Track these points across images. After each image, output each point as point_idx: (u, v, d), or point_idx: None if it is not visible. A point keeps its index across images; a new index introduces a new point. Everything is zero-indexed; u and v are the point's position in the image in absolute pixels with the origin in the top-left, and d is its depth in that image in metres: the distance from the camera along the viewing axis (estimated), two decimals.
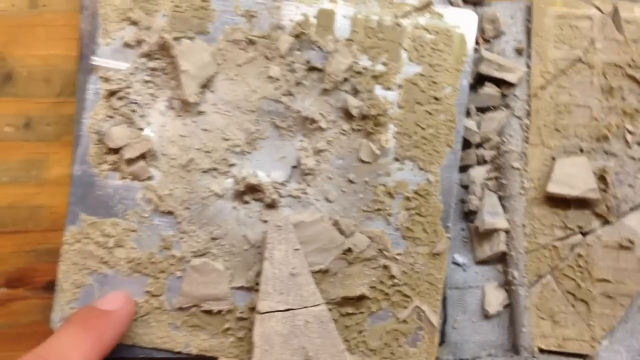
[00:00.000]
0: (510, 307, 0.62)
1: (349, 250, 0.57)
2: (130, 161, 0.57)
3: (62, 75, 0.63)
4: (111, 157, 0.57)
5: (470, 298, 0.63)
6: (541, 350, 0.61)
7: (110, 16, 0.58)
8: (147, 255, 0.57)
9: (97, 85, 0.58)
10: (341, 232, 0.57)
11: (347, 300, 0.57)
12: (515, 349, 0.62)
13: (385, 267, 0.58)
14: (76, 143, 0.59)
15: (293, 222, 0.56)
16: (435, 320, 0.58)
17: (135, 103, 0.58)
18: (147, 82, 0.58)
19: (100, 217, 0.57)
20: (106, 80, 0.57)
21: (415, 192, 0.58)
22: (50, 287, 0.59)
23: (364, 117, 0.58)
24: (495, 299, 0.62)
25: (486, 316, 0.63)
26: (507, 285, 0.63)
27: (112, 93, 0.57)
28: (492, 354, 0.63)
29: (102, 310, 0.53)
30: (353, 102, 0.57)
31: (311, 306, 0.55)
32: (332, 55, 0.57)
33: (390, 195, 0.58)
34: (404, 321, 0.58)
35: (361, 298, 0.57)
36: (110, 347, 0.52)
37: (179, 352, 0.58)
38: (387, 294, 0.58)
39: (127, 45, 0.58)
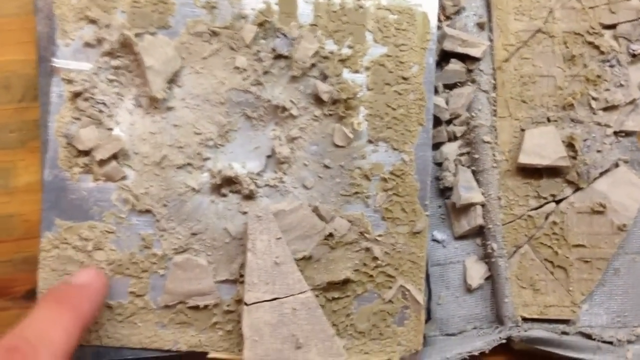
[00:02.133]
0: (492, 279, 0.63)
1: (331, 235, 0.57)
2: (103, 162, 0.56)
3: (22, 80, 0.62)
4: (82, 160, 0.57)
5: (452, 273, 0.64)
6: (524, 319, 0.63)
7: (67, 16, 0.57)
8: (128, 255, 0.57)
9: (60, 87, 0.57)
10: (321, 217, 0.57)
11: (332, 285, 0.58)
12: (499, 319, 0.63)
13: (368, 249, 0.58)
14: (44, 148, 0.58)
15: (273, 211, 0.56)
16: (420, 297, 0.58)
17: (102, 103, 0.57)
18: (111, 81, 0.57)
19: (77, 221, 0.57)
20: (69, 82, 0.56)
21: (391, 173, 0.58)
22: (30, 296, 0.58)
23: (335, 102, 0.58)
24: (477, 273, 0.63)
25: (469, 290, 0.64)
26: (486, 258, 0.64)
27: (76, 94, 0.57)
28: (477, 327, 0.64)
29: (75, 285, 0.53)
30: (323, 87, 0.57)
31: (298, 293, 0.55)
32: (298, 42, 0.57)
33: (366, 177, 0.58)
34: (390, 301, 0.58)
35: (346, 282, 0.58)
36: (89, 319, 0.51)
37: (168, 350, 0.58)
38: (371, 276, 0.58)
39: (87, 45, 0.57)
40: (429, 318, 0.62)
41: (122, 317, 0.57)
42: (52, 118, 0.57)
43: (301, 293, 0.55)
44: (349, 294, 0.58)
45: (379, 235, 0.58)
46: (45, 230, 0.57)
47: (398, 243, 0.58)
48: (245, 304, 0.55)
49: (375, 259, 0.58)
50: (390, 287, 0.58)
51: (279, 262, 0.55)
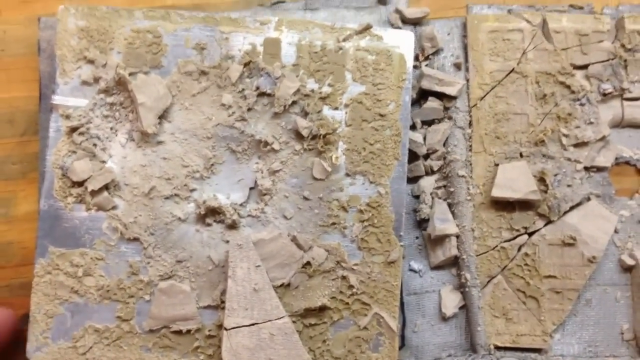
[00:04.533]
0: (466, 308, 0.64)
1: (308, 263, 0.59)
2: (94, 193, 0.58)
3: (25, 116, 0.65)
4: (76, 190, 0.59)
5: (428, 302, 0.65)
6: (497, 348, 0.63)
7: (67, 56, 0.60)
8: (116, 281, 0.59)
9: (58, 123, 0.59)
10: (299, 247, 0.59)
11: (309, 312, 0.59)
12: (473, 347, 0.64)
13: (344, 277, 0.59)
14: (41, 179, 0.60)
15: (253, 240, 0.57)
16: (394, 325, 0.59)
17: (97, 137, 0.59)
18: (106, 116, 0.60)
19: (69, 248, 0.59)
20: (67, 117, 0.59)
21: (368, 205, 0.60)
22: (25, 319, 0.60)
23: (314, 137, 0.60)
24: (451, 302, 0.64)
25: (444, 318, 0.65)
26: (461, 287, 0.65)
27: (73, 129, 0.59)
28: (451, 354, 0.64)
29: None
30: (302, 123, 0.59)
31: (275, 319, 0.56)
32: (280, 80, 0.60)
33: (344, 209, 0.60)
34: (365, 328, 0.59)
35: (323, 309, 0.59)
36: None
37: None
38: (347, 303, 0.59)
39: (85, 83, 0.60)
40: (403, 345, 0.63)
41: (108, 340, 0.59)
42: (50, 151, 0.59)
43: (278, 319, 0.56)
44: (325, 320, 0.59)
45: (355, 264, 0.59)
46: (39, 256, 0.59)
47: (373, 272, 0.60)
48: (225, 329, 0.56)
49: (351, 287, 0.59)
50: (365, 315, 0.59)
51: (258, 288, 0.56)
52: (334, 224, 0.60)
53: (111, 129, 0.60)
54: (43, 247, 0.59)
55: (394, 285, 0.60)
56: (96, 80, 0.60)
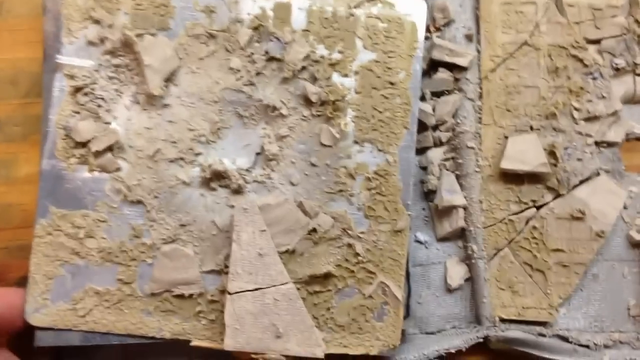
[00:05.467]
0: (471, 280, 0.64)
1: (314, 230, 0.58)
2: (98, 153, 0.58)
3: (29, 77, 0.64)
4: (79, 151, 0.58)
5: (434, 274, 0.64)
6: (502, 320, 0.63)
7: (73, 16, 0.58)
8: (118, 244, 0.58)
9: (62, 82, 0.58)
10: (305, 213, 0.58)
11: (314, 279, 0.58)
12: (477, 319, 0.63)
13: (350, 245, 0.58)
14: (44, 139, 0.59)
15: (259, 204, 0.56)
16: (400, 294, 0.59)
17: (101, 98, 0.58)
18: (111, 78, 0.59)
19: (70, 209, 0.58)
20: (71, 77, 0.58)
21: (375, 173, 0.59)
22: (22, 282, 0.58)
23: (323, 103, 0.59)
24: (457, 274, 0.64)
25: (449, 290, 0.64)
26: (467, 259, 0.64)
27: (77, 89, 0.58)
28: (456, 326, 0.64)
29: None
30: (312, 89, 0.58)
31: (279, 284, 0.55)
32: (290, 45, 0.58)
33: (351, 176, 0.59)
34: (370, 297, 0.59)
35: (328, 276, 0.58)
36: None
37: (152, 337, 0.58)
38: (352, 272, 0.59)
39: (90, 43, 0.58)
40: (407, 315, 0.62)
41: (109, 303, 0.58)
42: (53, 111, 0.58)
43: (283, 284, 0.55)
44: (330, 288, 0.59)
45: (362, 233, 0.59)
46: (40, 217, 0.58)
47: (380, 240, 0.59)
48: (228, 293, 0.55)
49: (357, 255, 0.58)
50: (370, 283, 0.59)
51: (263, 253, 0.55)
52: (341, 191, 0.59)
53: (116, 90, 0.59)
54: (44, 208, 0.58)
55: (400, 255, 0.59)
56: (102, 40, 0.58)
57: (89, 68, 0.58)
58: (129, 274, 0.58)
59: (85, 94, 0.58)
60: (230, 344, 0.55)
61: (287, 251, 0.57)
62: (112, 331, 0.58)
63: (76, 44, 0.58)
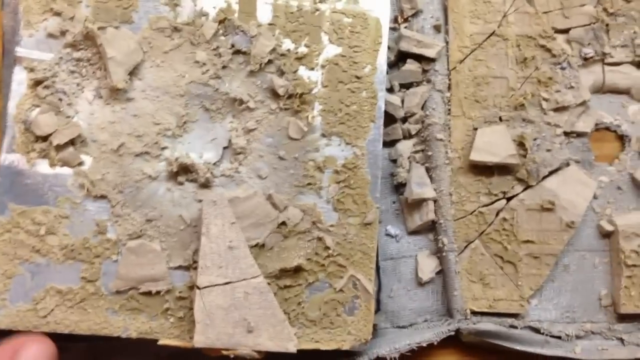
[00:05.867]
0: (442, 273, 0.70)
1: (284, 224, 0.63)
2: (60, 147, 0.62)
3: None
4: (39, 145, 0.62)
5: (405, 267, 0.70)
6: (473, 312, 0.68)
7: (32, 8, 0.63)
8: (81, 240, 0.62)
9: (21, 75, 0.63)
10: (275, 206, 0.63)
11: (284, 273, 0.63)
12: (449, 312, 0.69)
13: (320, 239, 0.64)
14: (3, 135, 0.63)
15: (228, 197, 0.61)
16: (370, 287, 0.64)
17: (62, 92, 0.63)
18: (72, 72, 0.63)
19: (30, 205, 0.62)
20: (31, 70, 0.62)
21: (344, 166, 0.64)
22: None
23: (290, 96, 0.64)
24: (428, 267, 0.69)
25: (420, 283, 0.70)
26: (438, 252, 0.70)
27: (37, 82, 0.62)
28: (427, 320, 0.70)
29: None
30: (279, 82, 0.63)
31: (250, 278, 0.60)
32: (257, 39, 0.64)
33: (319, 169, 0.64)
34: (341, 290, 0.64)
35: (298, 270, 0.63)
36: None
37: (117, 337, 0.62)
38: (322, 265, 0.64)
39: (51, 35, 0.63)
40: (378, 309, 0.68)
41: (71, 302, 0.62)
42: (12, 104, 0.62)
43: (253, 278, 0.60)
44: (300, 282, 0.64)
45: (331, 226, 0.64)
46: None
47: (349, 234, 0.64)
48: (198, 288, 0.60)
49: (327, 248, 0.64)
50: (341, 277, 0.64)
51: (233, 246, 0.60)
52: (309, 184, 0.64)
53: (77, 85, 0.63)
54: (2, 204, 0.62)
55: (370, 248, 0.64)
56: (63, 33, 0.63)
57: (49, 61, 0.63)
58: (93, 271, 0.62)
59: (46, 87, 0.62)
60: (200, 340, 0.59)
61: (256, 245, 0.62)
62: (74, 332, 0.62)
63: (36, 37, 0.63)
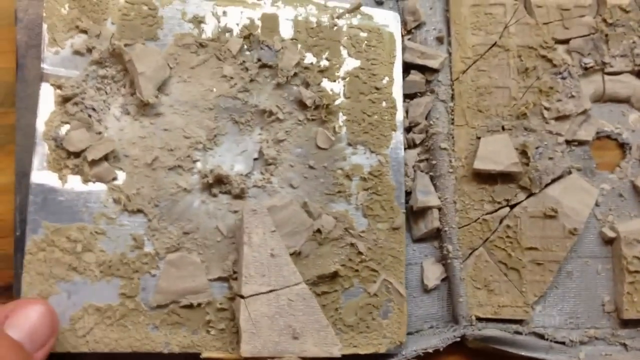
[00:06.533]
0: (448, 280, 0.81)
1: (318, 231, 0.75)
2: (94, 163, 0.71)
3: (2, 87, 0.79)
4: (72, 162, 0.72)
5: (411, 275, 0.81)
6: (479, 319, 0.79)
7: (57, 26, 0.73)
8: (119, 256, 0.71)
9: (48, 92, 0.73)
10: (309, 214, 0.75)
11: (321, 279, 0.74)
12: (455, 319, 0.80)
13: (352, 244, 0.76)
14: (20, 151, 0.74)
15: (266, 206, 0.72)
16: (403, 290, 0.76)
17: (92, 108, 0.73)
18: (98, 89, 0.74)
19: (65, 222, 0.71)
20: (59, 87, 0.72)
21: (370, 174, 0.78)
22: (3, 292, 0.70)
23: (317, 107, 0.77)
24: (433, 274, 0.82)
25: (426, 290, 0.81)
26: (443, 259, 0.81)
27: (66, 99, 0.72)
28: (433, 326, 0.81)
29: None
30: (307, 94, 0.76)
31: (293, 285, 0.71)
32: (282, 52, 0.77)
33: (348, 177, 0.77)
34: (375, 295, 0.76)
35: (334, 276, 0.75)
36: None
37: (159, 353, 0.71)
38: (356, 271, 0.76)
39: (77, 52, 0.74)
40: None
41: (111, 320, 0.71)
42: (40, 121, 0.72)
43: (296, 284, 0.71)
44: (336, 288, 0.75)
45: (362, 232, 0.77)
46: (32, 233, 0.70)
47: (379, 239, 0.77)
48: (242, 297, 0.69)
49: (360, 254, 0.76)
50: (374, 281, 0.76)
51: (275, 254, 0.71)
52: (339, 192, 0.77)
53: (104, 101, 0.73)
54: (36, 223, 0.69)
55: (399, 252, 0.77)
56: (89, 50, 0.73)
57: (75, 78, 0.73)
58: (132, 287, 0.71)
59: (75, 104, 0.72)
60: (247, 349, 0.68)
61: (293, 253, 0.73)
62: (116, 350, 0.70)
63: (62, 54, 0.73)
